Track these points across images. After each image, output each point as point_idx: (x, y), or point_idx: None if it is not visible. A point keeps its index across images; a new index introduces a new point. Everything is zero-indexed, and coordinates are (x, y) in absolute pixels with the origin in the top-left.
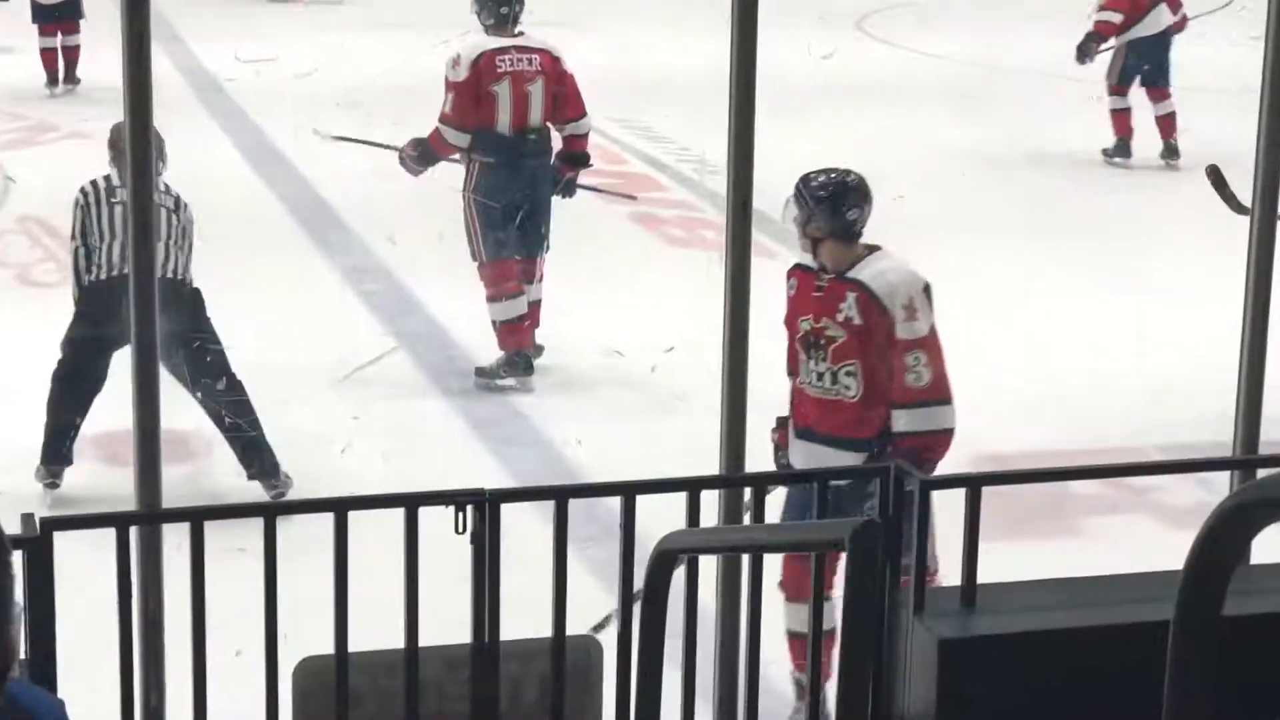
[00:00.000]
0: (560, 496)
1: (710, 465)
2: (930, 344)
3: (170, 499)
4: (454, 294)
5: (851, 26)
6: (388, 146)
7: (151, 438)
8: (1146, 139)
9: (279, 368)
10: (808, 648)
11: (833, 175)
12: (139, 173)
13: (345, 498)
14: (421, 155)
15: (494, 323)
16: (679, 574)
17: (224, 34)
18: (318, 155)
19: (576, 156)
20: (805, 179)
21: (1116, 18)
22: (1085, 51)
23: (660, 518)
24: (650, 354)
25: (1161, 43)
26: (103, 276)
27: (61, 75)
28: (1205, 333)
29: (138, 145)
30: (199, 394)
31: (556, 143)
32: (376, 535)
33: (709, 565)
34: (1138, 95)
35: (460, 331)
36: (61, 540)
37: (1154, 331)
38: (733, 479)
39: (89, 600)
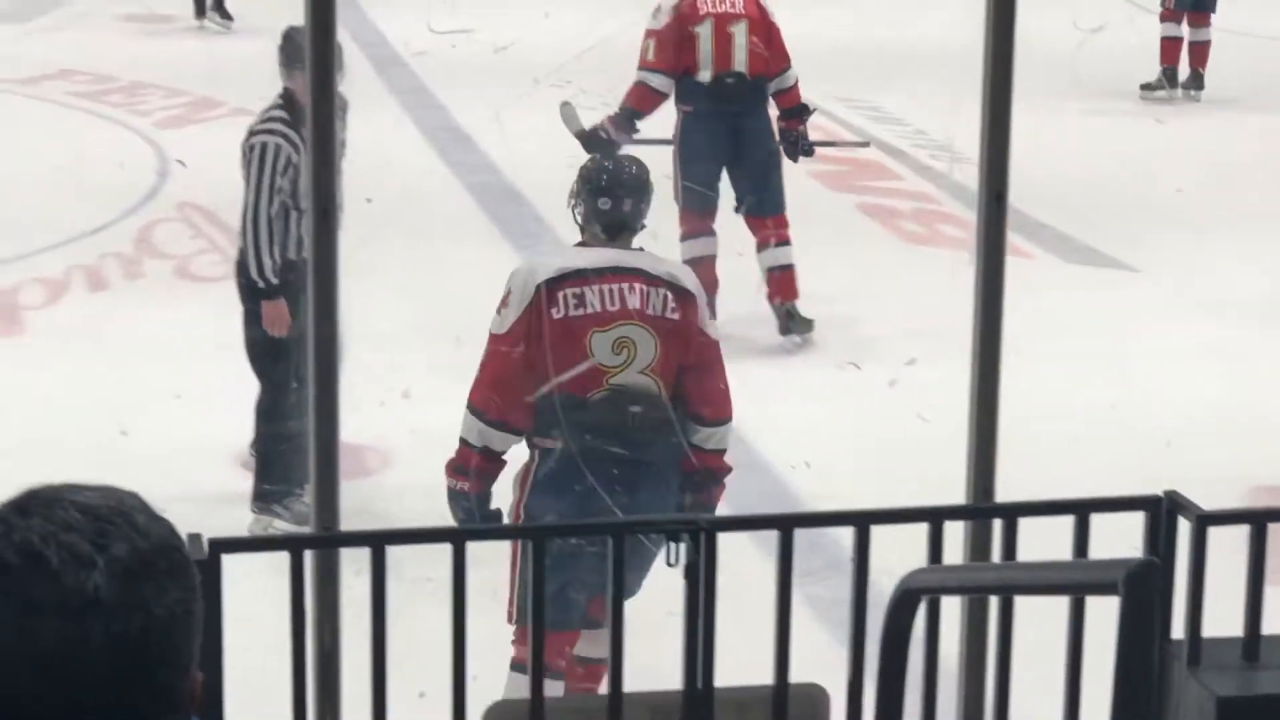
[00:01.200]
0: (785, 526)
1: (955, 494)
2: (487, 354)
3: (347, 519)
4: None
5: None
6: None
7: (329, 451)
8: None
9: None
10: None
11: (598, 160)
12: (321, 149)
13: (544, 525)
14: (621, 119)
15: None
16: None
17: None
18: (512, 138)
19: (795, 110)
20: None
21: None
22: None
23: (893, 552)
24: (888, 366)
25: None
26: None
27: (210, 3)
28: None
29: (320, 121)
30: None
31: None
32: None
33: (950, 606)
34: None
35: None
36: (230, 563)
37: None
38: (981, 509)
39: (259, 631)
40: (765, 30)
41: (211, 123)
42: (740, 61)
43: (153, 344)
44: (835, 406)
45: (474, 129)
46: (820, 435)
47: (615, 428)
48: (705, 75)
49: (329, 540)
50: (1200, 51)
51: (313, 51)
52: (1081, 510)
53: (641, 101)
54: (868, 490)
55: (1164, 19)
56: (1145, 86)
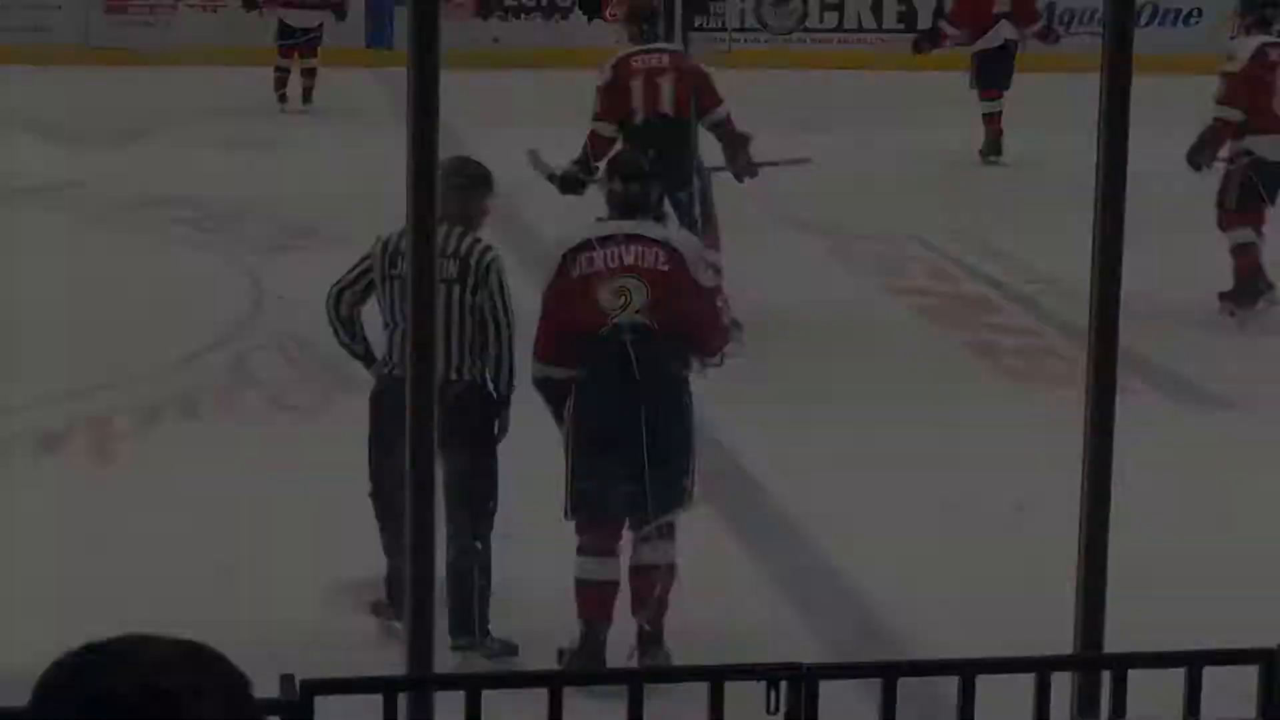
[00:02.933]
0: (889, 675)
1: (1062, 643)
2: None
3: (439, 661)
4: (744, 422)
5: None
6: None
7: (426, 587)
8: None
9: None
10: None
11: (620, 154)
12: (420, 283)
13: (640, 669)
14: (582, 160)
15: None
16: None
17: (500, 125)
18: None
19: (732, 137)
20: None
21: (953, 31)
22: (917, 45)
23: (998, 702)
24: (994, 510)
25: (1003, 53)
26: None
27: (302, 97)
28: None
29: (419, 254)
30: (452, 525)
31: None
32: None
33: None
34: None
35: (755, 467)
36: (323, 706)
37: None
38: (1089, 660)
39: None
40: (694, 78)
41: (308, 251)
42: (668, 104)
43: (244, 475)
44: (939, 550)
45: None
46: (923, 578)
47: (616, 355)
48: (639, 118)
49: (423, 682)
50: (992, 122)
51: (413, 193)
52: (1193, 662)
53: (595, 145)
54: (971, 637)
55: (980, 99)
56: (981, 153)
